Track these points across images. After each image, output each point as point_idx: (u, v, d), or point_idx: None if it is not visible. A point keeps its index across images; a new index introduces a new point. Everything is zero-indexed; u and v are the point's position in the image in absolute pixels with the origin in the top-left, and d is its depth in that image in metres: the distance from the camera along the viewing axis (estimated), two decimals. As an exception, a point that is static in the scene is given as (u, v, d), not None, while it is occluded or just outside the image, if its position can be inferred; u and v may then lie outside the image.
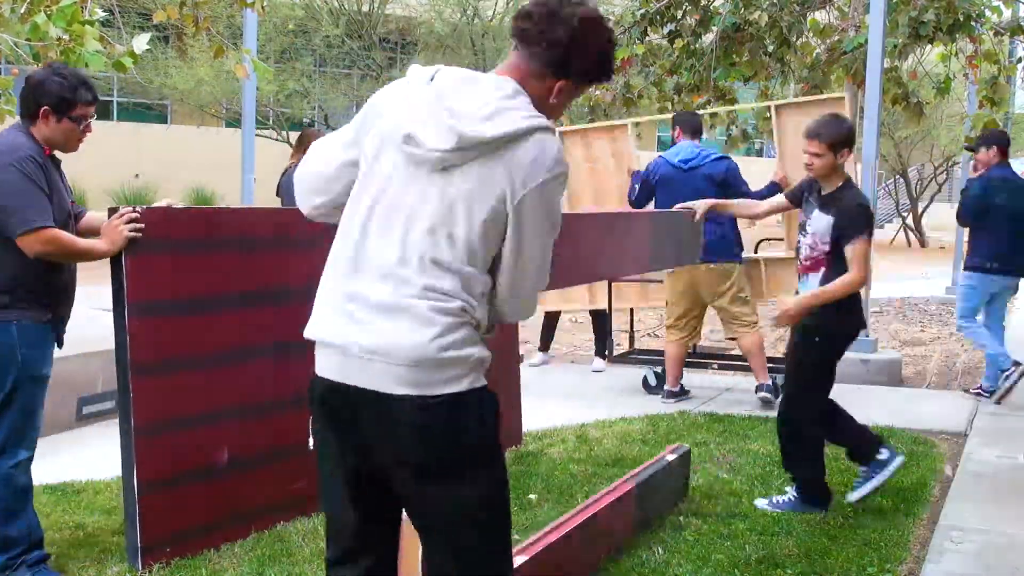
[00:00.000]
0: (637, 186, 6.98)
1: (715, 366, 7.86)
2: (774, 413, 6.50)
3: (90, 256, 3.73)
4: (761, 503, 4.79)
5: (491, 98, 2.29)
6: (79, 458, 5.28)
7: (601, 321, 8.02)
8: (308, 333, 2.41)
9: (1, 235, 3.55)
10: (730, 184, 6.73)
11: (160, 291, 3.96)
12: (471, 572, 2.34)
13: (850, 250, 4.48)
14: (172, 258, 3.99)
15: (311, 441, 2.50)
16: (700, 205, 4.96)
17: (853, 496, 4.72)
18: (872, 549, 4.23)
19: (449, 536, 2.34)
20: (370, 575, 2.50)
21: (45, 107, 3.65)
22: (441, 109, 2.26)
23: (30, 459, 3.74)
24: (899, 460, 4.77)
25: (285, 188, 7.28)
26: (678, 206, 5.05)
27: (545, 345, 8.38)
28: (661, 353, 7.35)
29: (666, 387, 7.03)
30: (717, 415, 6.51)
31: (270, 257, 4.37)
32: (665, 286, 7.00)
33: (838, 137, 4.50)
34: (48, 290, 3.66)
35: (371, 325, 2.27)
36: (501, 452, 2.40)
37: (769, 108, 7.84)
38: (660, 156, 7.06)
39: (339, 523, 2.49)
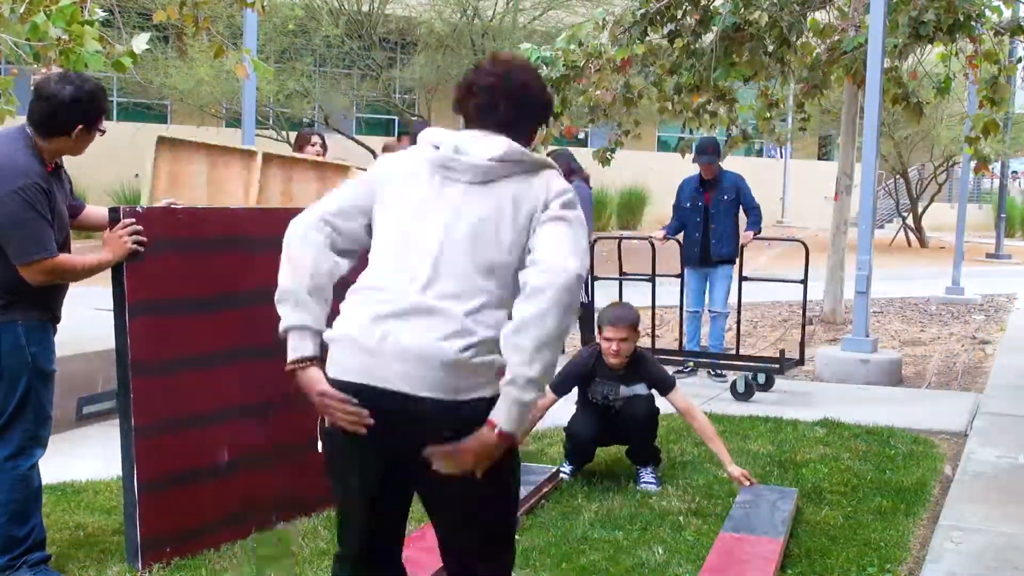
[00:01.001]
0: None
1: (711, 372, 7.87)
2: (775, 413, 6.52)
3: (94, 272, 3.74)
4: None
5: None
6: (79, 458, 5.28)
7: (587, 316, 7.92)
8: (335, 334, 2.50)
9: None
10: None
11: (160, 291, 3.96)
12: (488, 543, 2.64)
13: (680, 398, 4.99)
14: (172, 257, 3.99)
15: (319, 444, 2.58)
16: None
17: None
18: (872, 549, 4.23)
19: (466, 517, 2.56)
20: (380, 569, 2.70)
21: (81, 125, 3.61)
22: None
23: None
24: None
25: None
26: None
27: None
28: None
29: None
30: (717, 415, 6.51)
31: (270, 256, 4.37)
32: None
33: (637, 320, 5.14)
34: (47, 289, 3.66)
35: (404, 329, 2.40)
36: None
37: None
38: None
39: (354, 520, 2.66)
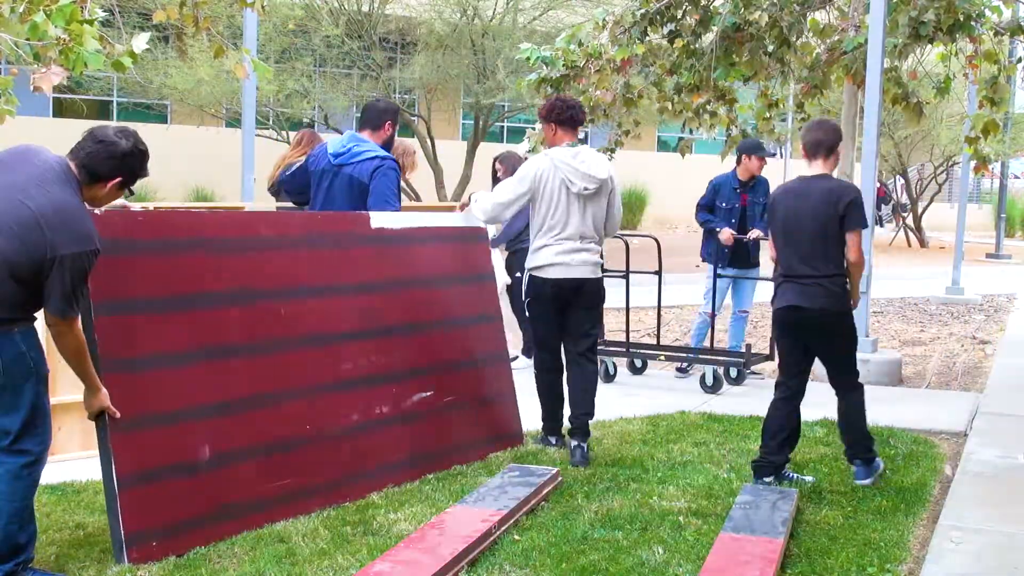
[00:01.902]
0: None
1: (662, 357, 7.98)
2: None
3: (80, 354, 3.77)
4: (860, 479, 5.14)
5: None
6: (79, 458, 5.29)
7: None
8: (543, 260, 5.55)
9: (12, 270, 3.53)
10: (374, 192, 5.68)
11: (125, 290, 4.07)
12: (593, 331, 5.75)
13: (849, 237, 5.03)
14: (136, 259, 4.11)
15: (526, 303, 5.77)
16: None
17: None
18: (872, 549, 4.23)
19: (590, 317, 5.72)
20: (558, 356, 5.76)
21: (120, 179, 3.71)
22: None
23: None
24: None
25: (285, 182, 7.27)
26: None
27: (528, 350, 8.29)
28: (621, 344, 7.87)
29: None
30: (717, 415, 6.51)
31: (236, 259, 4.52)
32: None
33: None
34: (38, 301, 3.67)
35: (579, 255, 5.52)
36: None
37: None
38: (322, 145, 6.25)
39: (548, 339, 5.73)
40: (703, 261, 8.26)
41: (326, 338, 4.86)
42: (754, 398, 7.08)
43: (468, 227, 5.86)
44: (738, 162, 8.08)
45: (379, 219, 5.31)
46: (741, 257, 7.97)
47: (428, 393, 5.32)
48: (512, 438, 5.76)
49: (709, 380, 7.41)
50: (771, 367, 7.72)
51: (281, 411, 4.58)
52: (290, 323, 4.68)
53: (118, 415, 3.92)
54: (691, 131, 11.27)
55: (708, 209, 8.11)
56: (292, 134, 17.02)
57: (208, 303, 4.37)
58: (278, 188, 7.38)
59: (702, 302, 8.20)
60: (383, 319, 5.19)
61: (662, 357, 7.92)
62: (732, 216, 7.95)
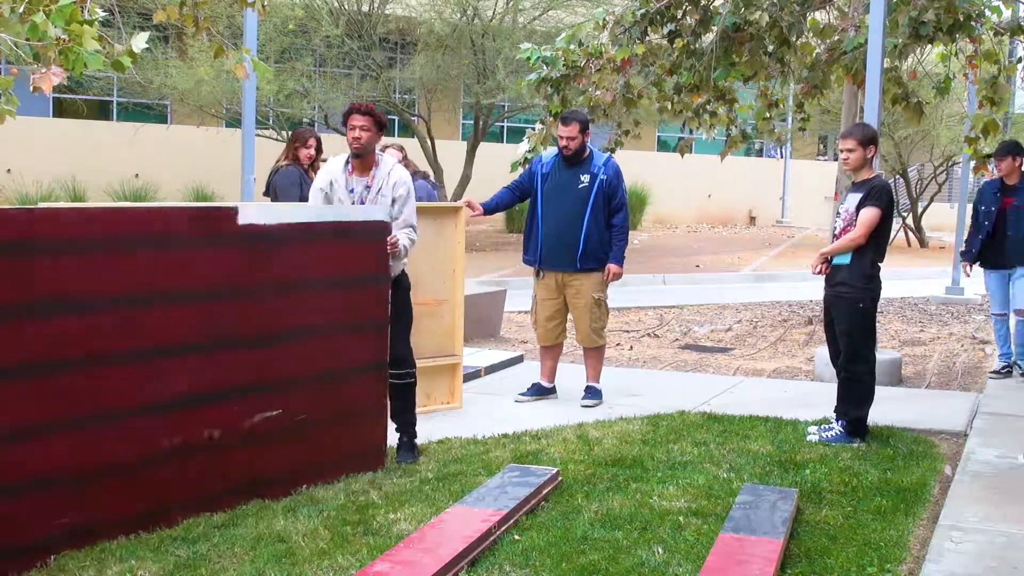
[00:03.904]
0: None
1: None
2: (775, 413, 6.52)
3: None
4: (811, 436, 5.92)
5: None
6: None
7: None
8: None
9: None
10: None
11: None
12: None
13: (861, 214, 5.75)
14: None
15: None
16: None
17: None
18: (872, 549, 4.23)
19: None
20: None
21: None
22: None
23: None
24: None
25: (280, 186, 7.27)
26: None
27: None
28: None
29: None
30: (717, 415, 6.51)
31: (78, 263, 4.10)
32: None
33: (868, 136, 5.86)
34: None
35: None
36: None
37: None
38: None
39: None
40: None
41: (137, 355, 4.28)
42: (752, 398, 7.08)
43: (369, 221, 5.22)
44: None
45: (250, 213, 4.70)
46: (1005, 259, 7.98)
47: (274, 413, 4.80)
48: (370, 459, 5.29)
49: None
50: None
51: (75, 438, 4.10)
52: (90, 339, 4.11)
53: None
54: (691, 131, 11.27)
55: (975, 213, 8.17)
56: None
57: (30, 312, 3.94)
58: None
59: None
60: (226, 330, 4.62)
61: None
62: (991, 218, 7.98)
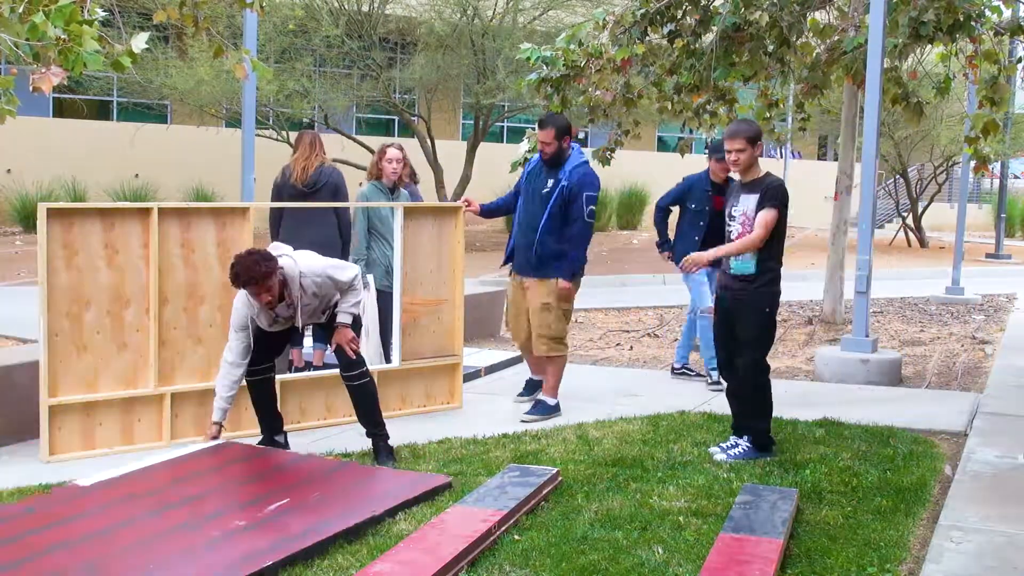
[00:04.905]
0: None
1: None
2: (774, 413, 6.51)
3: None
4: (717, 455, 5.53)
5: None
6: (80, 457, 5.28)
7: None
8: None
9: None
10: None
11: None
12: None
13: (760, 215, 5.49)
14: None
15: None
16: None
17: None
18: (872, 549, 4.23)
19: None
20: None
21: None
22: None
23: None
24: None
25: (281, 187, 7.27)
26: None
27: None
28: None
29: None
30: (717, 415, 6.51)
31: None
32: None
33: (756, 134, 5.61)
34: None
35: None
36: None
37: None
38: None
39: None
40: None
41: None
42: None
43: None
44: None
45: None
46: None
47: None
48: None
49: None
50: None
51: None
52: None
53: None
54: (691, 131, 11.29)
55: None
56: (292, 134, 17.05)
57: None
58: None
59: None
60: None
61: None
62: None
